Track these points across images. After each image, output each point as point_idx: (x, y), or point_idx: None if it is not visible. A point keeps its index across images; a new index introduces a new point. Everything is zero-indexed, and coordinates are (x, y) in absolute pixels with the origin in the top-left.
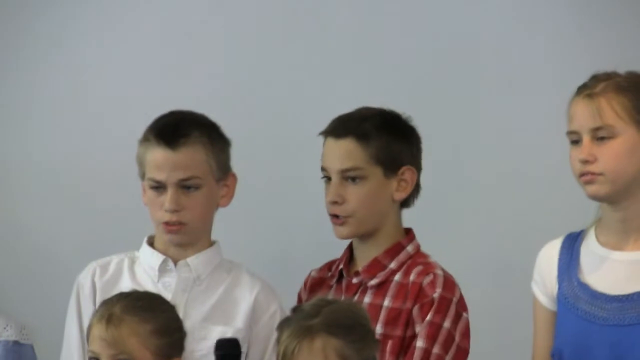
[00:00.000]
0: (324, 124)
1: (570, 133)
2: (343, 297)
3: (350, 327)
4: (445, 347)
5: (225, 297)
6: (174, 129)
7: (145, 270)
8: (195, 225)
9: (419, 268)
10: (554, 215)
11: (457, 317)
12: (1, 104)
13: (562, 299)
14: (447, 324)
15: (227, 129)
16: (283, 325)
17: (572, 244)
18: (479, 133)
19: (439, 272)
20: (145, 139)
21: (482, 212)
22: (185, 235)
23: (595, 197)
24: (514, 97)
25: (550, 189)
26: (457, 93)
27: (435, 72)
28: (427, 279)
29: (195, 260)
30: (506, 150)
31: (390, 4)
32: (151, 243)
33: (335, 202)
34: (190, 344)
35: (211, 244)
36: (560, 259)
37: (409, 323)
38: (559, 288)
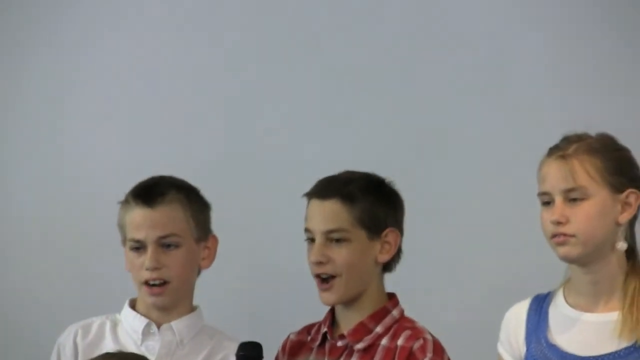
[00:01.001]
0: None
1: (541, 194)
2: None
3: None
4: None
5: None
6: (152, 188)
7: (128, 333)
8: (177, 284)
9: (407, 332)
10: (528, 276)
11: None
12: None
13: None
14: None
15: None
16: None
17: (540, 304)
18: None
19: (428, 336)
20: (125, 202)
21: (462, 271)
22: (167, 297)
23: (566, 259)
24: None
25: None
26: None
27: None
28: (417, 344)
29: (179, 325)
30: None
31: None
32: (133, 306)
33: (320, 262)
34: None
35: (193, 308)
36: (528, 320)
37: None
38: (527, 350)
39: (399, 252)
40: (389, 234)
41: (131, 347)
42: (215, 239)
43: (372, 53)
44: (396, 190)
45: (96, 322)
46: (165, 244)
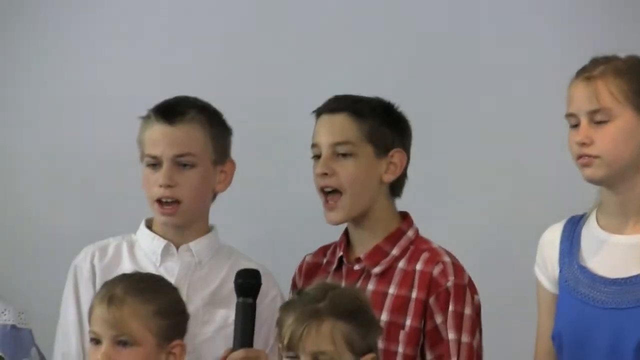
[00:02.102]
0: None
1: (568, 116)
2: (344, 283)
3: (355, 312)
4: (472, 333)
5: (226, 282)
6: (174, 106)
7: (146, 254)
8: (189, 205)
9: (425, 255)
10: (553, 202)
11: (472, 300)
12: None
13: (562, 282)
14: (467, 310)
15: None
16: (287, 308)
17: (573, 227)
18: (476, 123)
19: (447, 259)
20: (145, 117)
21: (481, 198)
22: (179, 217)
23: (591, 180)
24: (512, 88)
25: (549, 176)
26: (454, 86)
27: (431, 66)
28: (437, 269)
29: (197, 246)
30: (504, 138)
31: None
32: (149, 226)
33: (325, 174)
34: (193, 327)
35: (209, 229)
36: (561, 243)
37: (426, 314)
38: (560, 271)
39: (404, 175)
40: (395, 155)
41: (149, 268)
42: (233, 164)
43: None
44: (405, 116)
45: (112, 243)
46: (181, 163)
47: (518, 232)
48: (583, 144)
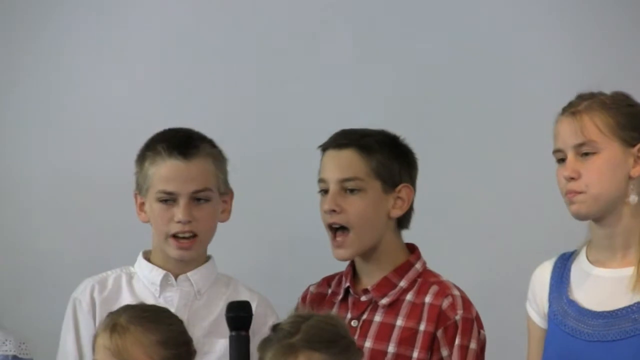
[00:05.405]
0: (320, 139)
1: (555, 152)
2: (349, 314)
3: (331, 340)
4: None
5: None
6: (186, 140)
7: (145, 285)
8: (205, 238)
9: (434, 288)
10: (548, 236)
11: (478, 334)
12: (2, 115)
13: (552, 316)
14: (473, 345)
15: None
16: (264, 345)
17: (564, 263)
18: (479, 154)
19: (456, 292)
20: (152, 152)
21: (480, 230)
22: (194, 250)
23: (578, 216)
24: (515, 110)
25: (545, 208)
26: (457, 110)
27: (433, 97)
28: (446, 302)
29: (196, 275)
30: (507, 169)
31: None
32: (147, 258)
33: (332, 211)
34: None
35: (207, 258)
36: (552, 278)
37: (433, 347)
38: (550, 306)
39: (411, 209)
40: (403, 190)
41: (149, 299)
42: (232, 193)
43: None
44: (410, 148)
45: (111, 275)
46: (197, 198)
47: (520, 266)
48: (571, 179)
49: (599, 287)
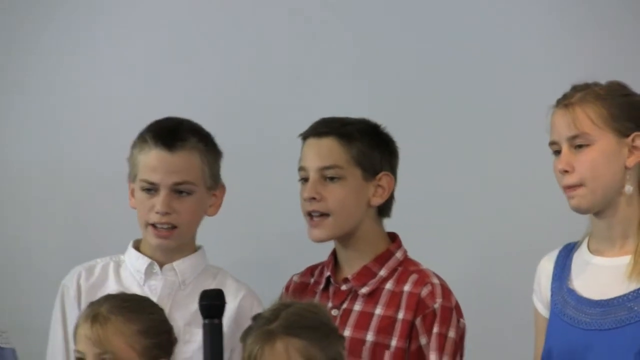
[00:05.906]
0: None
1: (550, 144)
2: (330, 303)
3: (310, 326)
4: (453, 356)
5: None
6: (173, 132)
7: (131, 273)
8: (184, 230)
9: (413, 277)
10: (547, 231)
11: (457, 323)
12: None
13: (552, 305)
14: (451, 333)
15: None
16: (246, 334)
17: (567, 253)
18: (469, 144)
19: (436, 281)
20: (141, 140)
21: (468, 221)
22: (173, 241)
23: (578, 210)
24: (505, 104)
25: (542, 200)
26: (443, 102)
27: (422, 80)
28: (425, 290)
29: (182, 265)
30: (495, 157)
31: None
32: (137, 247)
33: (312, 199)
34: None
35: (196, 249)
36: (555, 268)
37: (412, 335)
38: (552, 296)
39: (392, 197)
40: (383, 178)
41: (134, 288)
42: (224, 188)
43: None
44: (392, 137)
45: (100, 263)
46: (178, 190)
47: (507, 257)
48: (565, 172)
49: (598, 276)
